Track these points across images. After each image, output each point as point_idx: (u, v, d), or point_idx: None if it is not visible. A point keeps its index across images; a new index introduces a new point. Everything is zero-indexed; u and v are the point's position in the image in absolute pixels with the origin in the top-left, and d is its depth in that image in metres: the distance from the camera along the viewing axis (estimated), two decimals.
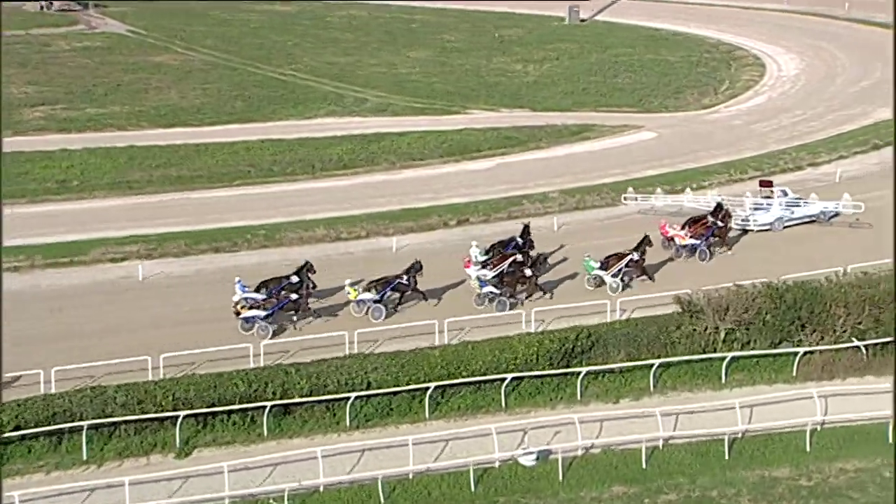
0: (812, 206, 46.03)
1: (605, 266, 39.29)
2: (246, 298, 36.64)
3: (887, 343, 34.45)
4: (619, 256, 39.44)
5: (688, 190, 48.48)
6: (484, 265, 39.31)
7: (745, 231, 45.09)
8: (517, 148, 59.12)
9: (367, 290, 37.62)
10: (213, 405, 30.81)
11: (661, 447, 30.55)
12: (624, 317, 36.10)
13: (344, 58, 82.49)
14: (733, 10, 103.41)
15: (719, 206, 43.94)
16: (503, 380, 32.56)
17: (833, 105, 67.45)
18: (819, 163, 55.08)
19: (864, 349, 34.21)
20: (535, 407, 32.61)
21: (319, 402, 31.54)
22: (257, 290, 37.36)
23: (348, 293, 37.64)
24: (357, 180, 53.77)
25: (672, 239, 42.75)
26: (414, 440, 29.62)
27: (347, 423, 31.53)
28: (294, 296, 37.13)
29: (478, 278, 38.31)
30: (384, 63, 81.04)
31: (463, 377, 32.46)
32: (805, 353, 34.06)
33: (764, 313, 34.36)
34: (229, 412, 30.97)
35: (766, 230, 45.35)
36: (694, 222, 43.08)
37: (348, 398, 31.55)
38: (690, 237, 42.20)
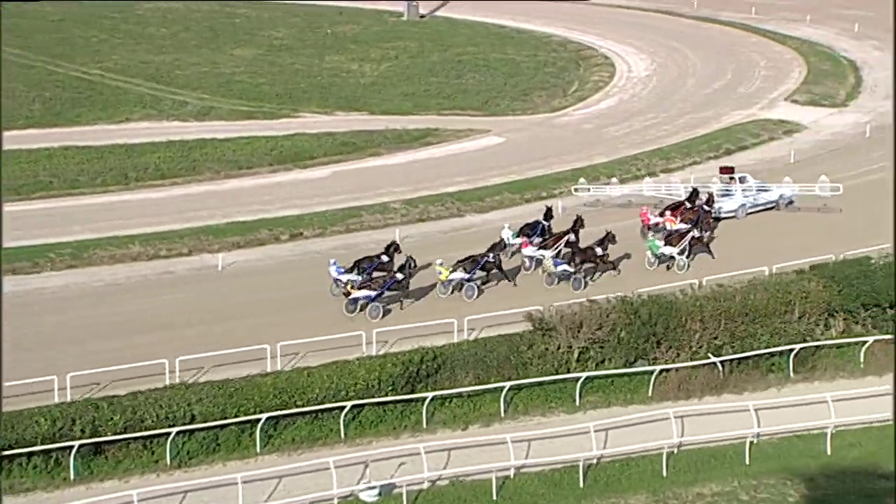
0: (772, 192, 49.25)
1: (669, 243, 42.60)
2: (353, 280, 38.83)
3: (743, 358, 35.90)
4: (682, 234, 43.08)
5: (647, 178, 52.08)
6: (541, 246, 42.30)
7: (717, 219, 47.24)
8: (354, 155, 59.24)
9: (457, 269, 39.86)
10: (11, 447, 29.62)
11: (512, 476, 30.99)
12: (472, 337, 36.47)
13: (159, 56, 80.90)
14: (580, 7, 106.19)
15: (696, 192, 46.78)
16: (342, 408, 32.46)
17: (685, 108, 70.06)
18: (673, 168, 57.05)
19: (719, 366, 35.57)
20: (377, 436, 32.63)
21: (136, 438, 30.76)
22: (350, 270, 39.78)
23: (440, 273, 39.71)
24: (177, 191, 52.80)
25: (653, 226, 44.94)
26: (243, 478, 29.20)
27: (168, 462, 30.86)
28: (399, 275, 39.27)
29: (551, 257, 41.20)
30: (206, 62, 79.87)
31: (298, 406, 32.22)
32: (661, 372, 35.17)
33: (619, 330, 35.33)
34: (30, 455, 29.86)
35: (732, 217, 48.04)
36: (672, 210, 45.78)
37: (169, 433, 30.87)
38: (681, 223, 44.71)
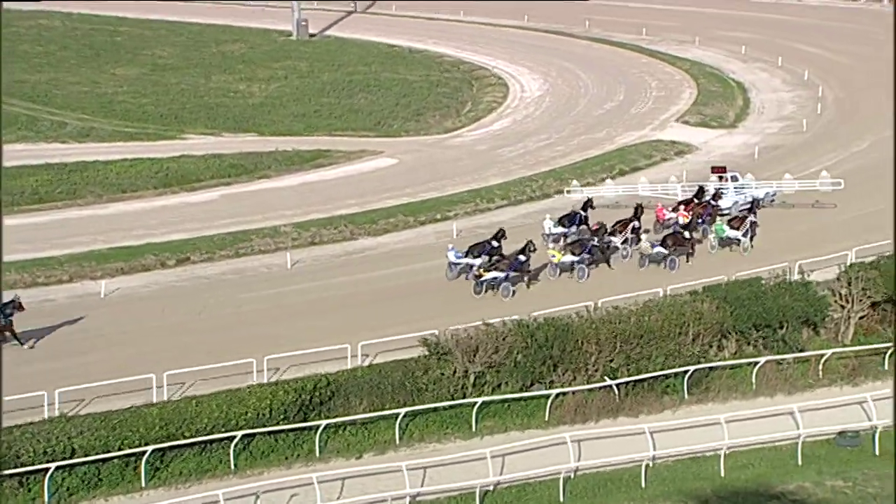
0: (760, 190, 52.70)
1: (735, 227, 47.04)
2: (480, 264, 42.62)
3: (639, 381, 36.46)
4: (742, 219, 47.44)
5: (642, 178, 55.82)
6: (611, 233, 45.96)
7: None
8: (243, 177, 58.75)
9: (567, 252, 43.86)
10: None
11: None
12: (367, 362, 36.37)
13: (36, 75, 79.23)
14: (472, 27, 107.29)
15: (701, 189, 51.02)
16: (232, 438, 32.06)
17: (578, 128, 71.12)
18: (568, 189, 57.72)
19: (615, 388, 36.05)
20: (268, 467, 32.29)
21: (11, 475, 29.89)
22: (467, 255, 43.61)
23: (553, 256, 43.57)
24: (56, 216, 51.70)
25: (665, 221, 48.82)
26: None
27: (46, 500, 30.08)
28: (522, 257, 42.64)
29: (649, 241, 45.28)
30: (86, 81, 78.48)
31: (186, 437, 31.73)
32: (557, 395, 35.49)
33: (515, 353, 35.60)
34: None
35: (727, 214, 50.23)
36: (685, 205, 49.74)
37: (47, 469, 30.09)
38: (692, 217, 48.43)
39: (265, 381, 34.63)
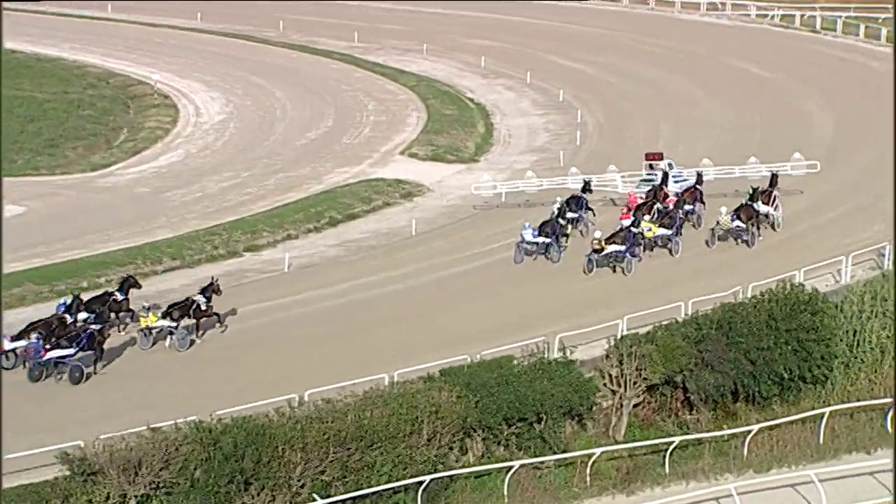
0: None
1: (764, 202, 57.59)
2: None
3: (359, 497, 36.60)
4: (751, 211, 56.92)
5: (573, 168, 62.83)
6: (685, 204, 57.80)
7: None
8: None
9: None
10: None
11: None
12: None
13: None
14: (126, 28, 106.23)
15: (666, 176, 60.60)
16: None
17: (275, 164, 71.54)
18: (261, 245, 57.70)
19: None
20: None
21: None
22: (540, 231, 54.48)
23: (648, 229, 55.05)
24: None
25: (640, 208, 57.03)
26: None
27: None
28: (636, 229, 53.87)
29: (728, 213, 55.84)
30: None
31: None
32: None
33: (192, 468, 35.18)
34: None
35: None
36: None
37: None
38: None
39: None
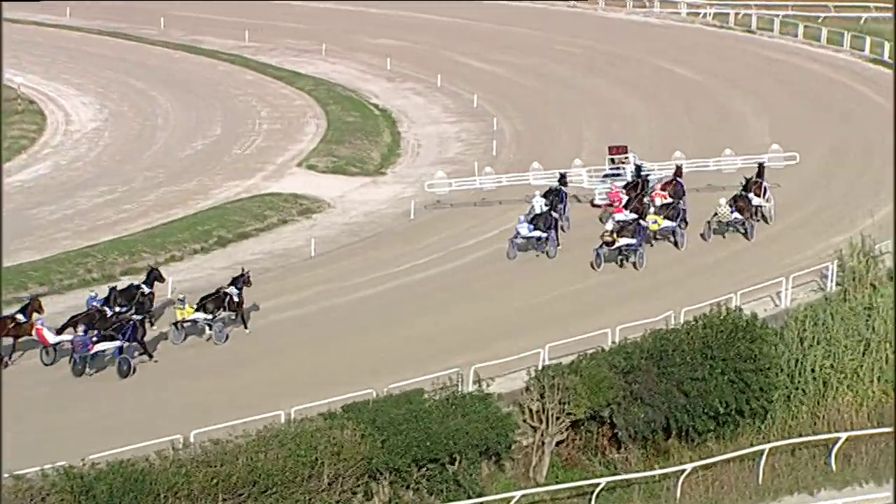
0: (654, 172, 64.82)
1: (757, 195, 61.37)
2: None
3: None
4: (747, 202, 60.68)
5: (536, 164, 65.49)
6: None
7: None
8: None
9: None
10: None
11: None
12: None
13: None
14: None
15: (639, 169, 63.84)
16: None
17: (156, 177, 70.90)
18: (139, 269, 56.84)
19: None
20: None
21: None
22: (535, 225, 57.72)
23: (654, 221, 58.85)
24: None
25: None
26: None
27: None
28: (644, 223, 57.96)
29: (727, 205, 59.43)
30: None
31: None
32: None
33: None
34: None
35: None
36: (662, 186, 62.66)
37: None
38: (671, 196, 61.69)
39: None
